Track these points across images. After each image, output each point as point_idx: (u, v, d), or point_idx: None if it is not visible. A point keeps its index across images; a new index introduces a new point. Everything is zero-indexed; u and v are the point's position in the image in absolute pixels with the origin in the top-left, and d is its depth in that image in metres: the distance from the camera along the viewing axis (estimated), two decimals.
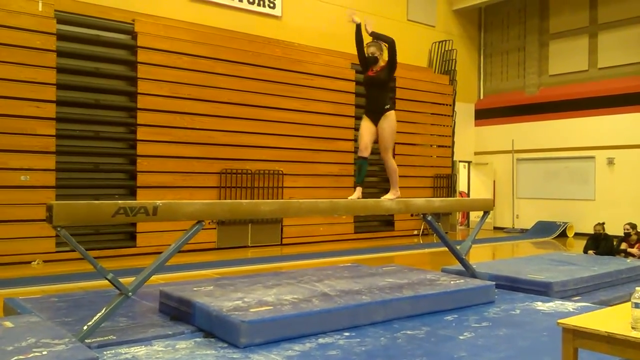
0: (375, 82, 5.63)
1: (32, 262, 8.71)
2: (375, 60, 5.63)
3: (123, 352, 3.73)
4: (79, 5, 9.60)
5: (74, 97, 9.50)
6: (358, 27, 5.71)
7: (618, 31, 14.57)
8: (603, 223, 9.90)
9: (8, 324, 3.78)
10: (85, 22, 9.63)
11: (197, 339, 4.05)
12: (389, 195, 5.65)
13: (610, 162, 14.40)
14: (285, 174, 11.82)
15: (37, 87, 8.92)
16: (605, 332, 2.55)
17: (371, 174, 14.10)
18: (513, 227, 16.14)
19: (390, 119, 5.59)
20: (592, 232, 10.08)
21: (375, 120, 5.61)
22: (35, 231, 8.72)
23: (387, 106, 5.60)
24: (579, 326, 2.65)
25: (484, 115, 17.28)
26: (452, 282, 5.49)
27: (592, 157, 14.78)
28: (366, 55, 5.65)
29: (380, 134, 5.60)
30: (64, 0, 9.42)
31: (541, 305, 5.29)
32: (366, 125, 5.64)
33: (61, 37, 9.26)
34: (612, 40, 14.69)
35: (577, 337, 2.66)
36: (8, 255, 8.55)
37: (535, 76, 16.22)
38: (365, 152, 5.62)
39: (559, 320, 2.75)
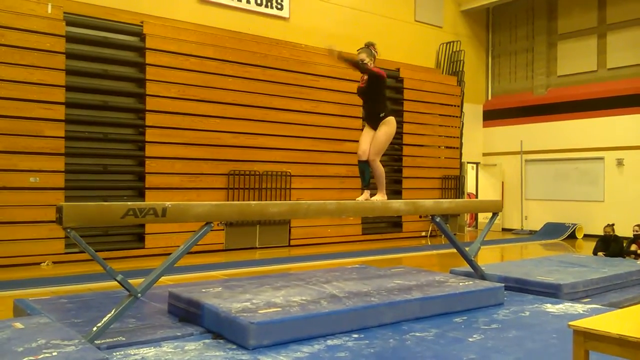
0: (365, 93, 5.66)
1: (42, 264, 8.76)
2: (364, 67, 5.52)
3: (132, 353, 3.73)
4: (88, 7, 9.64)
5: (83, 99, 9.54)
6: (339, 55, 5.53)
7: (627, 31, 14.49)
8: (613, 224, 9.84)
9: (18, 325, 3.80)
10: (93, 24, 9.68)
11: (206, 341, 4.05)
12: (377, 197, 5.66)
13: (620, 163, 14.32)
14: (293, 176, 11.82)
15: (46, 89, 8.97)
16: (617, 334, 2.53)
17: None
18: (522, 229, 16.08)
19: (389, 125, 5.63)
20: (601, 233, 10.03)
21: (375, 126, 5.68)
22: (45, 232, 8.78)
23: (382, 114, 5.61)
24: (590, 328, 2.63)
25: (492, 116, 17.23)
26: (460, 284, 5.47)
27: (602, 158, 14.70)
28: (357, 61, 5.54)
29: (375, 136, 5.63)
30: (73, 3, 9.48)
31: (551, 307, 5.26)
32: (366, 131, 5.74)
33: (70, 39, 9.31)
34: (621, 41, 14.61)
35: (588, 339, 2.64)
36: (18, 257, 8.60)
37: (543, 77, 16.16)
38: (364, 156, 5.68)
39: (570, 323, 2.73)
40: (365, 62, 5.52)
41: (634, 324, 2.64)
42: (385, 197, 5.70)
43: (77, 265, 8.64)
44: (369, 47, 5.65)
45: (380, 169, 5.72)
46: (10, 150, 8.68)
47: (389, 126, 5.61)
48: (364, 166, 5.70)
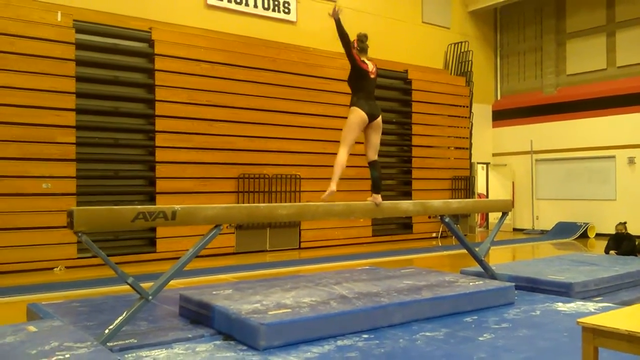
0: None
1: (55, 269, 8.83)
2: (348, 49, 5.36)
3: (144, 355, 3.77)
4: (97, 14, 9.74)
5: (93, 105, 9.63)
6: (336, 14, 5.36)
7: (636, 29, 14.39)
8: (625, 222, 9.77)
9: (32, 328, 3.84)
10: (103, 31, 9.77)
11: (217, 342, 4.08)
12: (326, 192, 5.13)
13: (631, 161, 14.21)
14: (303, 178, 11.85)
15: (57, 95, 9.06)
16: (626, 330, 2.52)
17: (388, 177, 14.09)
18: (533, 229, 15.99)
19: (349, 114, 5.39)
20: (613, 232, 9.96)
21: None
22: (57, 238, 8.86)
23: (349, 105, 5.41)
24: (599, 325, 2.63)
25: (501, 116, 17.17)
26: (471, 284, 5.46)
27: (613, 157, 14.60)
28: (366, 48, 5.42)
29: None
30: (82, 10, 9.57)
31: (562, 306, 5.23)
32: None
33: (80, 46, 9.40)
34: (631, 39, 14.52)
35: (597, 336, 2.64)
36: (31, 262, 8.68)
37: (552, 76, 16.08)
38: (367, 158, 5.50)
39: (578, 319, 2.73)
40: (355, 46, 5.34)
41: None
42: (332, 189, 5.09)
43: (89, 270, 8.71)
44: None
45: (337, 158, 5.29)
46: (23, 157, 8.77)
47: (349, 115, 5.34)
48: (369, 169, 5.49)
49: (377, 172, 5.47)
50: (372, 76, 5.40)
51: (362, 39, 5.47)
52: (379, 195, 5.36)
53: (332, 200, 5.20)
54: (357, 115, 5.29)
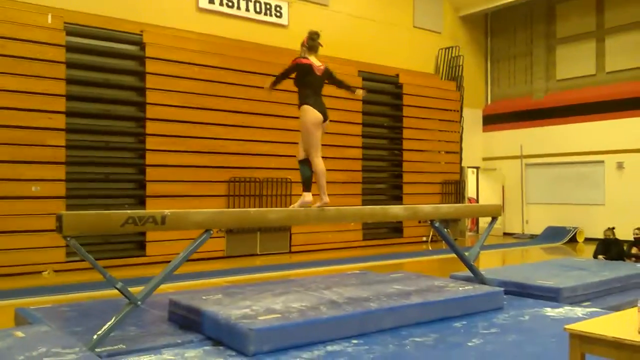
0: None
1: (43, 272, 8.78)
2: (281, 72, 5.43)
3: None
4: (88, 17, 9.70)
5: (83, 108, 9.59)
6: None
7: (625, 35, 14.53)
8: (613, 228, 9.84)
9: (19, 333, 3.82)
10: (94, 34, 9.74)
11: (206, 347, 4.07)
12: (316, 203, 5.02)
13: (620, 166, 14.33)
14: (294, 182, 11.84)
15: (47, 98, 9.02)
16: (612, 337, 2.55)
17: (379, 181, 14.13)
18: (523, 233, 16.07)
19: (302, 115, 5.19)
20: (602, 237, 10.03)
21: None
22: (46, 241, 8.80)
23: (298, 105, 5.27)
24: (586, 331, 2.66)
25: (491, 120, 17.25)
26: (460, 289, 5.48)
27: (602, 162, 14.71)
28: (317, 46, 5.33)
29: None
30: (73, 13, 9.54)
31: (550, 311, 5.26)
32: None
33: (71, 49, 9.37)
34: (620, 45, 14.64)
35: (584, 342, 2.67)
36: (19, 266, 8.62)
37: (542, 81, 16.19)
38: (298, 155, 5.36)
39: (565, 326, 2.75)
40: (304, 44, 5.30)
41: (629, 326, 2.65)
42: (325, 201, 5.03)
43: (78, 273, 8.67)
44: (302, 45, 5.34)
45: (316, 168, 5.13)
46: (12, 160, 8.72)
47: (301, 117, 5.14)
48: (300, 166, 5.34)
49: (310, 170, 5.25)
50: (318, 73, 5.22)
51: (313, 36, 5.31)
52: (309, 193, 5.19)
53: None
54: (312, 115, 5.11)
